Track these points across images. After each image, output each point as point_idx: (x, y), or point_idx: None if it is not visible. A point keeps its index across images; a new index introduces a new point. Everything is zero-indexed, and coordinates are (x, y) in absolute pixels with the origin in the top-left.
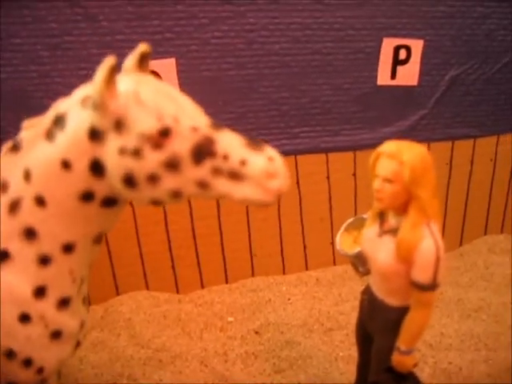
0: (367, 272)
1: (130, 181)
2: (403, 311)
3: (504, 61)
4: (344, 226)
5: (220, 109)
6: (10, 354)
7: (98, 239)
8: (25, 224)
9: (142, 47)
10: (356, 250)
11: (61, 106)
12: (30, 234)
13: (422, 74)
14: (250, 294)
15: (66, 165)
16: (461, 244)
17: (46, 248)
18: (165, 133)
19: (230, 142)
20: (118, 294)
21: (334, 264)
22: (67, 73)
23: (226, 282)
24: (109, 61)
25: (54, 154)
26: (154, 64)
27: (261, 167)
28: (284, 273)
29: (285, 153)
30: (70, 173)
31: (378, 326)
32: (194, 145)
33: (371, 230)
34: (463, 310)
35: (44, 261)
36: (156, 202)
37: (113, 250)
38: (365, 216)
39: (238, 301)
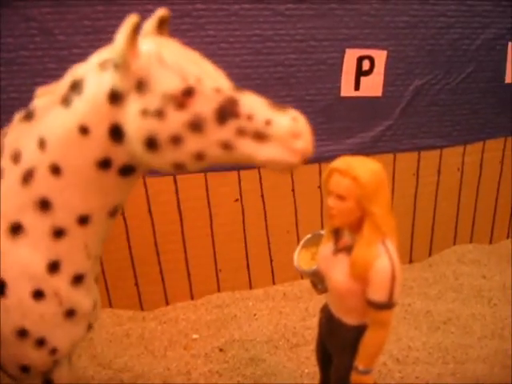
0: (326, 289)
1: (152, 143)
2: (361, 330)
3: (468, 70)
4: (302, 242)
5: None
6: (23, 334)
7: (114, 212)
8: (39, 195)
9: (161, 11)
10: (313, 267)
11: (77, 71)
12: (44, 205)
13: (386, 84)
14: (215, 310)
15: (83, 131)
16: (430, 254)
17: (60, 220)
18: (188, 93)
19: (253, 103)
20: None
21: (302, 277)
22: (24, 88)
23: (192, 298)
24: (131, 19)
25: (71, 119)
26: None
27: (286, 127)
28: (251, 287)
29: (249, 166)
30: (87, 139)
31: (337, 345)
32: (218, 105)
33: (327, 247)
34: (432, 322)
35: (58, 233)
36: (178, 166)
37: None
38: (322, 232)
39: (203, 317)
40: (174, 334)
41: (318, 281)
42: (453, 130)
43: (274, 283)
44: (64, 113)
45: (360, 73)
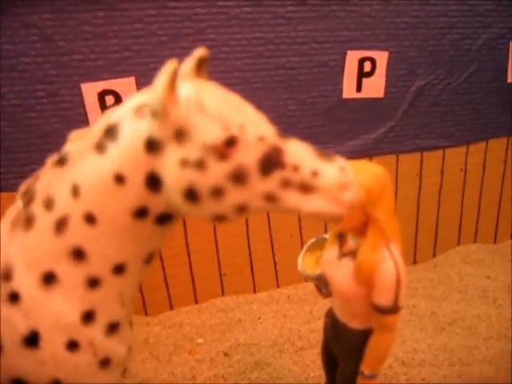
0: (330, 294)
1: (192, 195)
2: (366, 334)
3: (470, 70)
4: (306, 246)
5: None
6: None
7: (149, 259)
8: (73, 244)
9: (201, 51)
10: (318, 271)
11: (111, 115)
12: (78, 254)
13: (387, 85)
14: (219, 314)
15: (119, 179)
16: (434, 255)
17: (95, 269)
18: (231, 142)
19: (299, 152)
20: None
21: (306, 280)
22: (24, 95)
23: (196, 303)
24: (171, 65)
25: (105, 167)
26: (113, 83)
27: (334, 178)
28: (255, 291)
29: None
30: (123, 188)
31: (342, 350)
32: (262, 155)
33: (331, 251)
34: (437, 323)
35: (93, 283)
36: (219, 218)
37: None
38: (327, 236)
39: (208, 321)
40: (178, 339)
41: (322, 285)
42: (455, 131)
43: (278, 286)
44: (98, 160)
45: (362, 74)
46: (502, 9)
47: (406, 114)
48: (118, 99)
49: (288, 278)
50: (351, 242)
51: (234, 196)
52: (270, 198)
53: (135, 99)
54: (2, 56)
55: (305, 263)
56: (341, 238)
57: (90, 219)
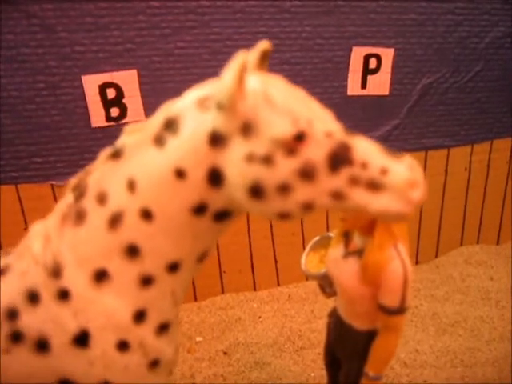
0: (334, 293)
1: (257, 191)
2: (371, 335)
3: (476, 69)
4: (310, 245)
5: None
6: None
7: (202, 258)
8: (127, 240)
9: (264, 44)
10: (322, 270)
11: (170, 108)
12: (132, 251)
13: (393, 83)
14: (219, 313)
15: (179, 174)
16: (436, 255)
17: (149, 267)
18: (300, 137)
19: (367, 149)
20: None
21: (307, 279)
22: (24, 86)
23: (195, 300)
24: (240, 58)
25: (165, 161)
26: (114, 76)
27: (404, 176)
28: (255, 289)
29: None
30: (183, 183)
31: (346, 351)
32: (330, 151)
33: (336, 250)
34: (439, 324)
35: (146, 281)
36: (283, 216)
37: None
38: (331, 234)
39: (207, 319)
40: None
41: (326, 284)
42: (460, 130)
43: (278, 285)
44: (157, 153)
45: (367, 71)
46: (509, 7)
47: (410, 112)
48: (120, 92)
49: (289, 276)
50: (357, 241)
51: (301, 193)
52: (338, 195)
53: (197, 92)
54: (2, 46)
55: (308, 262)
56: (346, 236)
57: (146, 215)
